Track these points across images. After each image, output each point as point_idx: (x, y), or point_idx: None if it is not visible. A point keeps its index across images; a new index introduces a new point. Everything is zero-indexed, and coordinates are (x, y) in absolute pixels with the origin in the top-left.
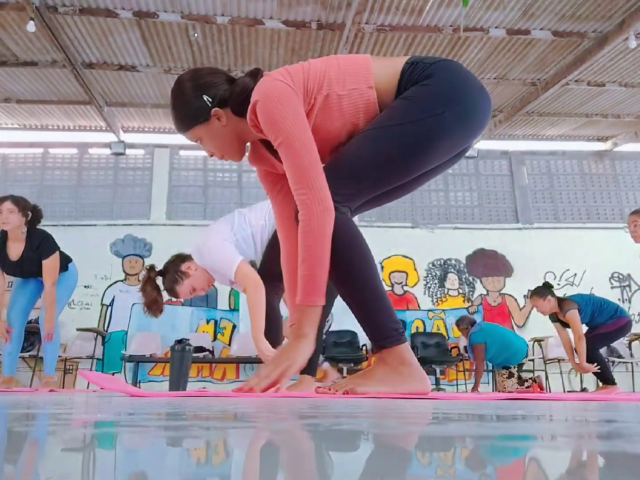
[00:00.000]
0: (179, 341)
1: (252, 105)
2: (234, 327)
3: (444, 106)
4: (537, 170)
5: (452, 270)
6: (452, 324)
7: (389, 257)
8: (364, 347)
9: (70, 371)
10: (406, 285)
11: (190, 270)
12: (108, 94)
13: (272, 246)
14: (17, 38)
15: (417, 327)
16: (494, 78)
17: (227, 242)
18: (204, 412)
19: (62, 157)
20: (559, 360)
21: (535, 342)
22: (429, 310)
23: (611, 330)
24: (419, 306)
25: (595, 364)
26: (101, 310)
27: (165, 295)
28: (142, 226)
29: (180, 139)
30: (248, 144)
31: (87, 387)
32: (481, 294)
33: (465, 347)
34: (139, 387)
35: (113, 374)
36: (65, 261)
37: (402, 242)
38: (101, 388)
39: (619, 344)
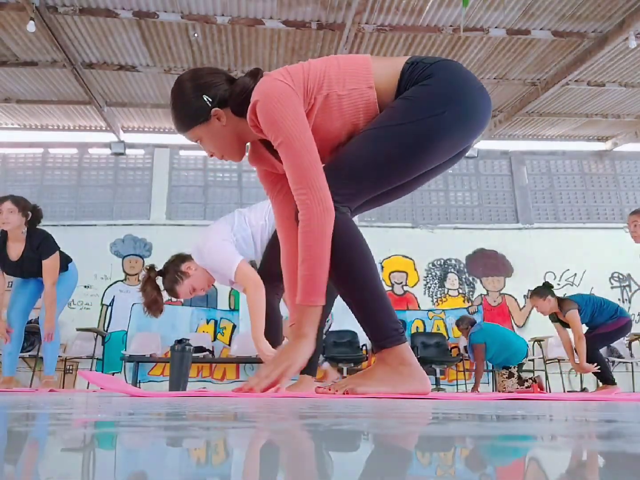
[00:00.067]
0: (179, 341)
1: (252, 105)
2: (234, 327)
3: (444, 106)
4: (537, 170)
5: (452, 270)
6: (452, 324)
7: (389, 257)
8: (364, 347)
9: (70, 371)
10: (406, 285)
11: (190, 270)
12: (108, 94)
13: (272, 246)
14: (17, 38)
15: (417, 327)
16: (494, 78)
17: (227, 242)
18: (204, 412)
19: (62, 157)
20: (559, 360)
21: (535, 342)
22: (429, 310)
23: (611, 330)
24: (419, 306)
25: (595, 364)
26: (101, 310)
27: (165, 295)
28: (142, 226)
29: (180, 139)
30: (248, 143)
31: (87, 387)
32: (481, 294)
33: (465, 347)
34: (139, 387)
35: (113, 374)
36: (65, 261)
37: (402, 242)
38: (101, 388)
39: (619, 344)
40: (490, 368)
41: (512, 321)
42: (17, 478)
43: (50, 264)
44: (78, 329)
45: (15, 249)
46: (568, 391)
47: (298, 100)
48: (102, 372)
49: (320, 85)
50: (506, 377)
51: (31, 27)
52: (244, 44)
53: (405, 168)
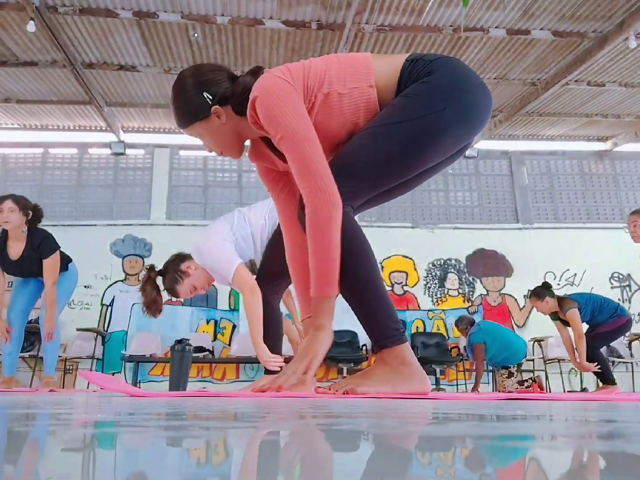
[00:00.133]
0: (179, 341)
1: (252, 101)
2: (234, 327)
3: (445, 103)
4: (537, 170)
5: (452, 270)
6: (452, 324)
7: (389, 257)
8: (364, 347)
9: (70, 371)
10: (406, 285)
11: (190, 269)
12: (108, 94)
13: (272, 246)
14: (17, 38)
15: (417, 327)
16: (494, 78)
17: (226, 242)
18: (204, 412)
19: (62, 157)
20: (559, 360)
21: (535, 342)
22: (429, 310)
23: (612, 329)
24: (419, 306)
25: (596, 364)
26: (101, 310)
27: (166, 295)
28: (142, 226)
29: (180, 139)
30: (248, 140)
31: (87, 387)
32: (481, 294)
33: (465, 347)
34: (139, 387)
35: (113, 374)
36: (65, 261)
37: (402, 242)
38: (101, 388)
39: (619, 344)
40: (490, 368)
41: (512, 321)
42: (17, 478)
43: (50, 264)
44: (78, 329)
45: (15, 249)
46: (568, 391)
47: (298, 97)
48: (102, 372)
49: (320, 84)
50: (506, 377)
51: (31, 27)
52: (244, 44)
53: (406, 165)
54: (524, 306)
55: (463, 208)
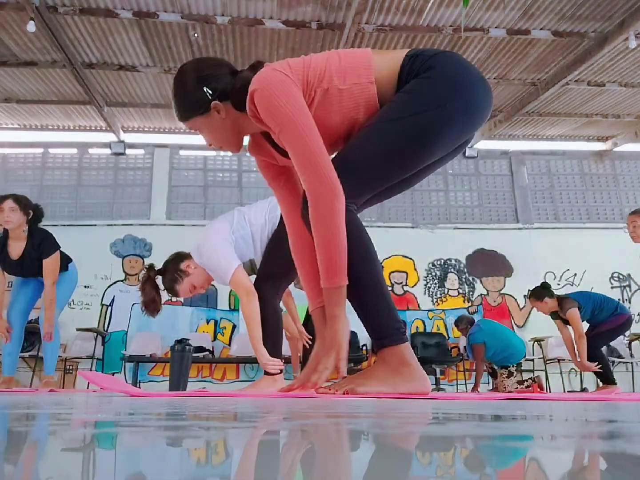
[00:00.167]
0: (179, 341)
1: (251, 93)
2: (234, 327)
3: (445, 98)
4: (537, 170)
5: (452, 270)
6: (452, 324)
7: (389, 257)
8: (364, 347)
9: (70, 371)
10: (406, 285)
11: (189, 268)
12: (108, 94)
13: (273, 246)
14: (17, 38)
15: (417, 327)
16: (494, 78)
17: (226, 242)
18: (204, 412)
19: (62, 157)
20: (559, 360)
21: (535, 342)
22: (429, 310)
23: (612, 327)
24: (419, 306)
25: (597, 363)
26: (101, 310)
27: (166, 295)
28: (142, 226)
29: (180, 139)
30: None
31: (87, 387)
32: (481, 294)
33: (465, 347)
34: (139, 387)
35: (113, 374)
36: (65, 261)
37: (402, 242)
38: (101, 388)
39: (619, 344)
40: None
41: (512, 321)
42: (17, 478)
43: (50, 263)
44: (78, 329)
45: (16, 248)
46: (568, 391)
47: (297, 90)
48: (102, 372)
49: (320, 79)
50: (505, 377)
51: (31, 27)
52: (244, 44)
53: (408, 161)
54: (524, 306)
55: (463, 208)
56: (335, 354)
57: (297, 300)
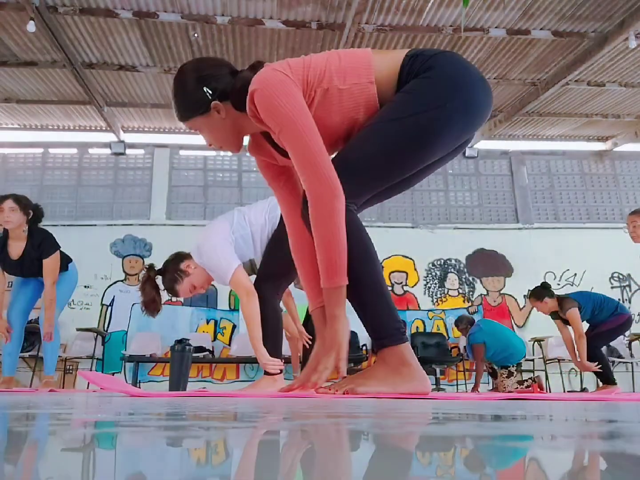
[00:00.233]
0: (179, 341)
1: (250, 94)
2: (234, 327)
3: (445, 98)
4: (537, 170)
5: (452, 270)
6: (452, 324)
7: (389, 257)
8: (364, 347)
9: (70, 371)
10: (406, 285)
11: (189, 268)
12: (108, 94)
13: (272, 246)
14: (17, 38)
15: (417, 327)
16: (494, 78)
17: (226, 242)
18: (204, 412)
19: (62, 157)
20: (559, 360)
21: (535, 342)
22: (429, 310)
23: (612, 327)
24: (419, 306)
25: (597, 363)
26: (101, 310)
27: (166, 295)
28: (142, 226)
29: (180, 139)
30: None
31: (87, 387)
32: (481, 294)
33: (465, 347)
34: (139, 387)
35: (113, 374)
36: (65, 261)
37: (402, 242)
38: (101, 388)
39: (619, 344)
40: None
41: (512, 321)
42: (17, 478)
43: (50, 263)
44: (78, 329)
45: (16, 248)
46: (568, 391)
47: (297, 89)
48: (102, 372)
49: (320, 79)
50: (505, 377)
51: (31, 27)
52: (244, 44)
53: (408, 161)
54: (524, 306)
55: (463, 208)
56: (335, 353)
57: (297, 300)
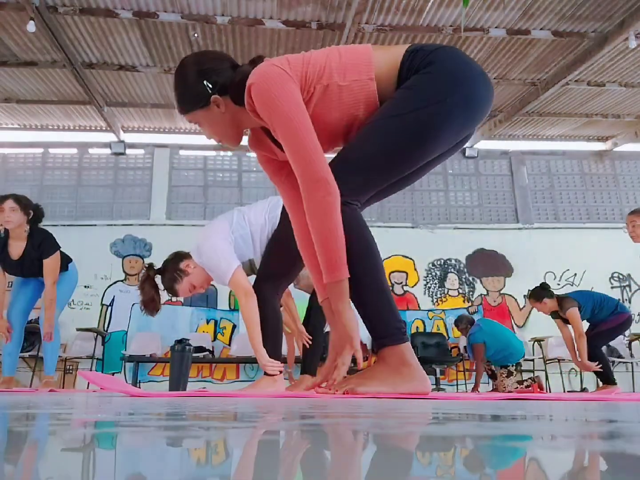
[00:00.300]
0: (179, 341)
1: (248, 88)
2: (234, 327)
3: (446, 93)
4: (537, 170)
5: (452, 270)
6: (452, 324)
7: (389, 257)
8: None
9: (70, 371)
10: (406, 285)
11: (189, 268)
12: (108, 94)
13: (272, 246)
14: (17, 38)
15: (417, 327)
16: (494, 78)
17: (226, 242)
18: (204, 412)
19: (62, 157)
20: (559, 360)
21: (535, 342)
22: (429, 310)
23: (612, 326)
24: (419, 306)
25: (597, 363)
26: (101, 310)
27: (166, 295)
28: (142, 226)
29: (180, 139)
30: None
31: (87, 387)
32: (481, 294)
33: (465, 347)
34: (139, 387)
35: (113, 374)
36: (65, 261)
37: (402, 242)
38: (101, 388)
39: (619, 344)
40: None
41: (512, 321)
42: (17, 478)
43: (51, 264)
44: (78, 329)
45: (16, 248)
46: (568, 391)
47: (294, 85)
48: (102, 372)
49: (320, 75)
50: (505, 377)
51: (31, 27)
52: (244, 44)
53: (411, 157)
54: (524, 306)
55: (463, 208)
56: (348, 346)
57: (297, 300)
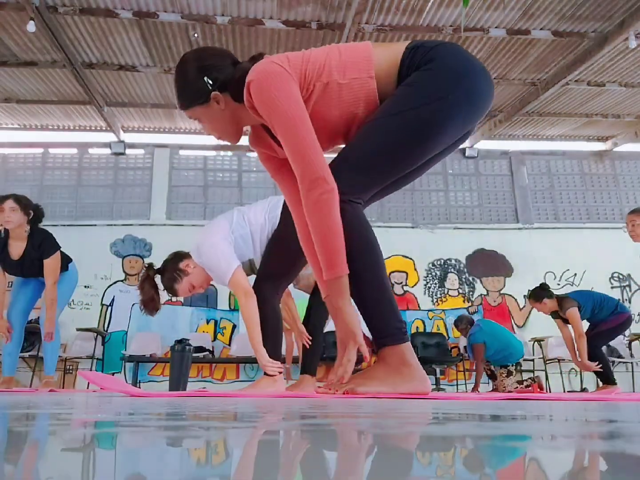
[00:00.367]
0: (179, 341)
1: (247, 85)
2: (234, 327)
3: (447, 89)
4: (537, 170)
5: (452, 270)
6: (452, 324)
7: (389, 257)
8: None
9: (70, 371)
10: (406, 285)
11: (188, 268)
12: (108, 94)
13: (272, 246)
14: (17, 38)
15: (417, 327)
16: (494, 78)
17: (226, 242)
18: (204, 412)
19: (62, 157)
20: (559, 360)
21: (535, 342)
22: (429, 310)
23: (612, 326)
24: (419, 306)
25: (597, 363)
26: (101, 310)
27: (166, 295)
28: (142, 226)
29: (180, 139)
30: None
31: (87, 387)
32: (481, 294)
33: (465, 347)
34: (139, 387)
35: (113, 374)
36: (65, 261)
37: (402, 242)
38: (101, 388)
39: (619, 344)
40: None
41: (512, 321)
42: (17, 478)
43: (51, 264)
44: (78, 329)
45: (17, 248)
46: (568, 391)
47: (293, 83)
48: (102, 372)
49: (320, 73)
50: (505, 376)
51: (31, 27)
52: (244, 44)
53: (413, 155)
54: (524, 306)
55: (463, 208)
56: (352, 343)
57: (297, 300)
